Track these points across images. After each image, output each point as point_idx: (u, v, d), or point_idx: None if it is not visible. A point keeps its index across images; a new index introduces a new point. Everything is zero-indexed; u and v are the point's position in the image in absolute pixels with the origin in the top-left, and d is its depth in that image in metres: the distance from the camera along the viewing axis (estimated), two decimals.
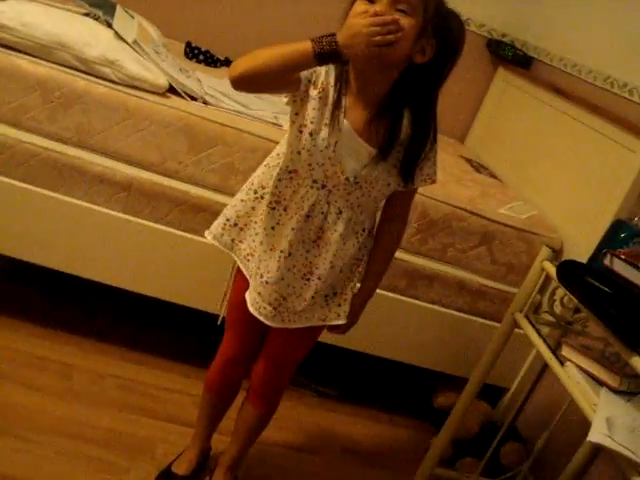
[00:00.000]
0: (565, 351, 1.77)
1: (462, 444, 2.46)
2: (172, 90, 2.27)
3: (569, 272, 1.73)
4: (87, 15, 2.27)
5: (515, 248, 2.46)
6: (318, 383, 2.61)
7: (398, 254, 2.34)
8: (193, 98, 2.29)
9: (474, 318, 2.50)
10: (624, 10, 2.69)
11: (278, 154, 1.59)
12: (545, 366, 2.42)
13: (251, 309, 1.62)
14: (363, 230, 1.59)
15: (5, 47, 2.08)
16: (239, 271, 1.70)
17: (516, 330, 2.05)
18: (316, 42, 1.31)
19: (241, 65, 1.36)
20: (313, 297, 1.60)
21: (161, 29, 2.77)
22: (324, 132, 1.44)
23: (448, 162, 2.95)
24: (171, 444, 2.05)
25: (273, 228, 1.56)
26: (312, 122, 1.44)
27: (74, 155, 2.14)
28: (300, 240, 1.54)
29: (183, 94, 2.27)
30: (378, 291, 2.33)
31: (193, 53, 2.94)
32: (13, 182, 2.13)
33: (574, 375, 1.71)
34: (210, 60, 2.94)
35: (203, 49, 2.96)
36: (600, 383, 1.69)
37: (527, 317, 1.95)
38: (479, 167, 3.03)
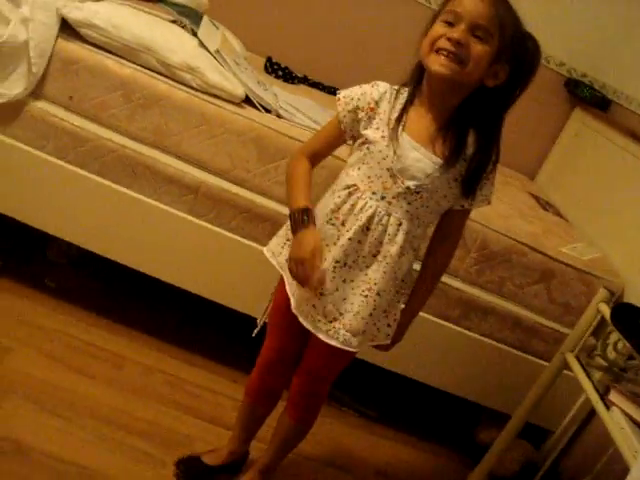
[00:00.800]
0: (613, 396, 1.74)
1: None
2: (248, 101, 2.33)
3: (624, 315, 1.71)
4: (174, 22, 2.36)
5: (574, 289, 2.42)
6: (360, 403, 2.61)
7: (454, 283, 2.37)
8: (267, 110, 2.34)
9: (525, 355, 2.46)
10: None
11: (339, 177, 1.63)
12: (593, 412, 2.37)
13: (305, 323, 1.63)
14: (417, 246, 1.61)
15: (94, 46, 2.18)
16: (283, 282, 1.70)
17: (567, 373, 2.02)
18: (292, 216, 1.57)
19: (287, 168, 1.69)
20: (371, 315, 1.59)
21: (245, 42, 2.86)
22: (380, 144, 1.50)
23: (515, 197, 2.94)
24: (209, 444, 2.08)
25: (335, 244, 1.57)
26: (370, 137, 1.51)
27: (148, 155, 2.22)
28: (358, 253, 1.55)
29: (258, 106, 2.33)
30: (431, 318, 2.38)
31: (273, 68, 3.01)
32: (89, 175, 2.22)
33: (619, 420, 1.68)
34: (289, 77, 3.01)
35: (283, 65, 3.04)
36: None
37: (578, 358, 1.92)
38: (546, 205, 3.00)
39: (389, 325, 1.67)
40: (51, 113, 2.19)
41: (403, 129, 1.50)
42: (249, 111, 2.28)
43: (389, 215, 1.53)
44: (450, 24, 1.42)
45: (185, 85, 2.22)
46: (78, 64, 2.17)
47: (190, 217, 2.27)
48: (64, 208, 2.27)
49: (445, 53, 1.42)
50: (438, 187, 1.51)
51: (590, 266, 2.45)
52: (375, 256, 1.56)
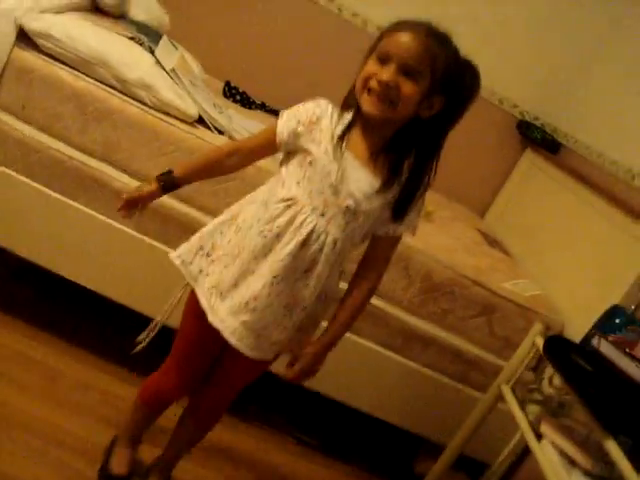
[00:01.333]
0: (544, 427, 1.76)
1: None
2: (201, 122, 2.34)
3: (556, 348, 1.74)
4: (132, 39, 2.37)
5: (515, 324, 2.46)
6: (300, 431, 2.60)
7: (397, 312, 2.39)
8: (220, 132, 2.36)
9: (464, 387, 2.48)
10: None
11: (270, 189, 1.61)
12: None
13: (230, 339, 1.60)
14: (344, 267, 1.63)
15: (50, 57, 2.18)
16: (194, 302, 1.67)
17: (505, 406, 2.04)
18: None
19: None
20: (295, 328, 1.62)
21: (204, 66, 2.88)
22: (324, 160, 1.50)
23: (462, 232, 2.99)
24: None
25: (266, 255, 1.55)
26: (312, 152, 1.51)
27: (97, 168, 2.21)
28: (293, 268, 1.55)
29: (211, 126, 2.34)
30: (372, 346, 2.39)
31: (231, 92, 3.03)
32: (35, 185, 2.20)
33: (549, 452, 1.69)
34: (246, 102, 3.04)
35: (241, 90, 3.06)
36: (575, 464, 1.68)
37: (513, 390, 1.94)
38: (493, 242, 3.06)
39: (306, 333, 1.69)
40: (2, 121, 2.18)
41: (346, 147, 1.51)
42: (202, 131, 2.30)
43: (327, 233, 1.53)
44: (382, 61, 1.44)
45: (139, 101, 2.23)
46: (33, 74, 2.16)
47: (136, 233, 2.26)
48: (8, 218, 2.25)
49: (375, 94, 1.44)
50: (374, 209, 1.52)
51: (531, 302, 2.50)
52: (306, 272, 1.56)
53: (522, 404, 1.91)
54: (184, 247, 1.70)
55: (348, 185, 1.50)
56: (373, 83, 1.44)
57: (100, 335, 2.53)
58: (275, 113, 3.11)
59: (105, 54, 2.18)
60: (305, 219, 1.52)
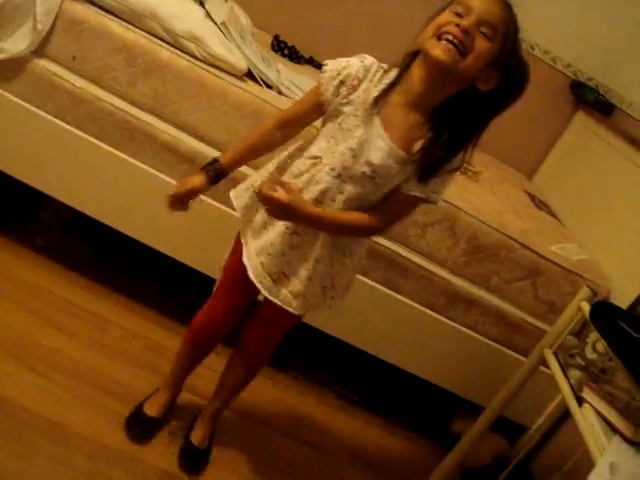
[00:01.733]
0: (586, 393, 1.75)
1: (472, 474, 2.43)
2: (250, 76, 2.33)
3: (603, 315, 1.72)
4: None
5: (560, 288, 2.43)
6: (341, 385, 2.63)
7: (442, 272, 2.39)
8: (269, 86, 2.35)
9: (507, 350, 2.47)
10: None
11: (307, 139, 1.63)
12: (568, 411, 2.38)
13: (251, 276, 1.67)
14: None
15: (101, 8, 2.18)
16: (239, 238, 1.76)
17: (546, 370, 2.03)
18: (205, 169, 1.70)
19: None
20: (310, 280, 1.63)
21: (253, 19, 2.85)
22: (352, 122, 1.50)
23: (510, 193, 2.95)
24: (183, 411, 2.11)
25: None
26: (344, 112, 1.51)
27: (146, 120, 2.22)
28: (301, 231, 1.58)
29: (260, 80, 2.33)
30: (415, 305, 2.39)
31: (279, 47, 3.01)
32: (86, 137, 2.22)
33: (590, 418, 1.69)
34: (294, 56, 3.01)
35: (289, 44, 3.04)
36: (615, 431, 1.67)
37: (556, 355, 1.93)
38: (540, 204, 3.01)
39: (333, 297, 1.71)
40: (53, 72, 2.19)
41: (377, 112, 1.49)
42: (250, 85, 2.29)
43: (341, 193, 1.54)
44: (459, 15, 1.41)
45: (188, 54, 2.22)
46: (83, 25, 2.17)
47: None
48: (60, 169, 2.28)
49: (450, 38, 1.39)
50: (393, 176, 1.52)
51: (578, 267, 2.46)
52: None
53: (564, 369, 1.89)
54: (239, 186, 1.78)
55: (369, 152, 1.49)
56: (449, 27, 1.40)
57: (149, 287, 2.58)
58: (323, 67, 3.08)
59: (155, 6, 2.17)
60: (322, 177, 1.53)
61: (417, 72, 1.47)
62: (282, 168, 1.66)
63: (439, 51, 1.40)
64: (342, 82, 1.51)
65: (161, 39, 2.21)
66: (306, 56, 3.06)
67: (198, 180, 1.69)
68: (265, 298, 1.76)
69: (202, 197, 2.24)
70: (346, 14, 3.26)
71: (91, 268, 2.49)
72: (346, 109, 1.51)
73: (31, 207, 2.59)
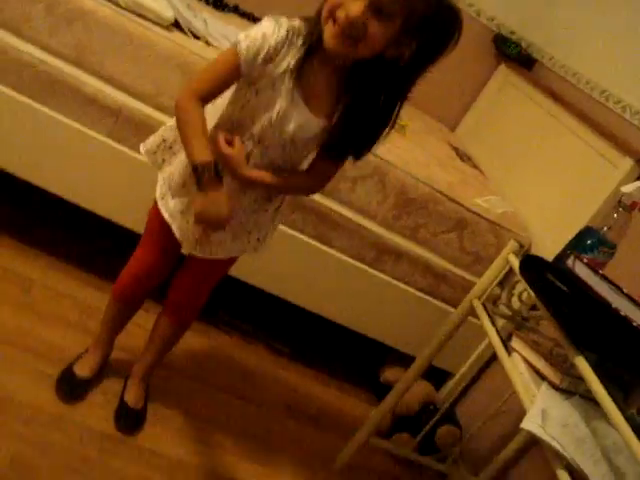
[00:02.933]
0: (515, 342, 1.83)
1: (402, 420, 2.52)
2: (177, 26, 2.26)
3: (531, 267, 1.78)
4: None
5: (485, 240, 2.51)
6: (273, 338, 2.65)
7: (371, 225, 2.42)
8: (196, 37, 2.29)
9: (434, 301, 2.55)
10: (633, 30, 2.72)
11: (224, 99, 1.57)
12: (493, 357, 2.49)
13: (177, 234, 1.67)
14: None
15: None
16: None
17: (471, 319, 2.10)
18: (197, 169, 1.46)
19: (176, 109, 1.51)
20: (240, 226, 1.65)
21: None
22: (269, 93, 1.48)
23: (434, 145, 2.99)
24: (115, 372, 2.09)
25: None
26: (261, 81, 1.48)
27: (68, 73, 2.12)
28: (230, 182, 1.56)
29: (187, 31, 2.26)
30: (345, 258, 2.42)
31: None
32: (4, 89, 2.11)
33: (519, 366, 1.76)
34: (219, 4, 2.92)
35: None
36: (543, 378, 1.75)
37: (484, 305, 2.00)
38: (464, 156, 3.07)
39: (258, 239, 1.73)
40: None
41: (296, 81, 1.46)
42: (177, 36, 2.22)
43: (262, 157, 1.55)
44: None
45: (112, 2, 2.13)
46: None
47: (109, 141, 2.20)
48: None
49: (340, 27, 1.35)
50: (313, 141, 1.54)
51: (502, 219, 2.54)
52: (242, 186, 1.59)
53: (492, 319, 1.96)
54: (150, 139, 1.74)
55: (289, 123, 1.49)
56: (340, 13, 1.34)
57: (73, 244, 2.50)
58: (248, 16, 3.01)
59: None
60: (243, 143, 1.53)
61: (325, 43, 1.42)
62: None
63: (330, 39, 1.38)
64: (258, 54, 1.44)
65: None
66: (231, 4, 2.98)
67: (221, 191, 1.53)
68: (188, 258, 1.79)
69: (118, 146, 2.21)
70: None
71: (13, 226, 2.39)
72: (264, 79, 1.47)
73: None
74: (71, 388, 1.95)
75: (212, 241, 1.66)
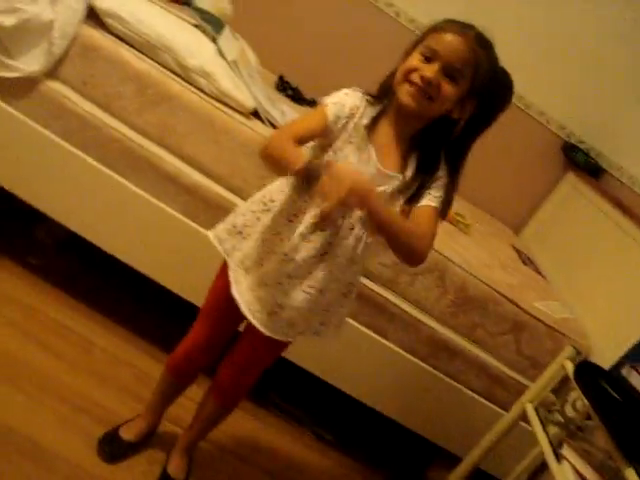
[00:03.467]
0: (565, 450, 1.79)
1: None
2: (256, 114, 2.38)
3: (586, 375, 1.76)
4: (196, 26, 2.42)
5: (543, 344, 2.48)
6: (318, 425, 2.64)
7: (428, 320, 2.42)
8: (273, 126, 2.40)
9: (487, 403, 2.51)
10: None
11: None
12: (543, 466, 2.41)
13: (246, 313, 1.67)
14: (365, 257, 1.65)
15: (116, 36, 2.23)
16: (223, 272, 1.76)
17: (524, 425, 2.07)
18: (306, 168, 1.42)
19: (263, 153, 1.53)
20: (311, 310, 1.65)
21: (260, 58, 2.92)
22: (346, 150, 1.54)
23: (498, 247, 3.01)
24: (165, 443, 2.10)
25: (286, 239, 1.59)
26: (338, 143, 1.55)
27: (151, 150, 2.25)
28: (305, 250, 1.58)
29: (265, 120, 2.38)
30: (399, 351, 2.42)
31: (283, 87, 3.07)
32: (89, 160, 2.25)
33: (568, 475, 1.72)
34: (298, 97, 3.07)
35: (293, 85, 3.10)
36: None
37: (536, 410, 1.97)
38: (526, 260, 3.07)
39: (322, 324, 1.73)
40: (64, 95, 2.22)
41: (370, 140, 1.55)
42: (255, 124, 2.33)
43: (343, 218, 1.55)
44: (427, 59, 1.49)
45: (198, 88, 2.27)
46: (97, 52, 2.21)
47: (184, 217, 2.30)
48: (60, 189, 2.30)
49: (416, 87, 1.48)
50: (389, 199, 1.56)
51: (560, 325, 2.51)
52: (323, 255, 1.58)
53: (544, 424, 1.93)
54: (219, 227, 1.78)
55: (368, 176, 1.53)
56: (415, 77, 1.48)
57: (137, 312, 2.59)
58: None
59: (170, 39, 2.23)
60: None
61: (395, 105, 1.55)
62: (269, 204, 1.66)
63: (407, 97, 1.50)
64: (339, 118, 1.55)
65: (173, 72, 2.26)
66: (309, 98, 3.12)
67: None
68: (245, 330, 1.81)
69: (190, 223, 2.30)
70: (350, 58, 3.34)
71: (81, 289, 2.50)
72: (341, 138, 1.55)
73: (26, 225, 2.60)
74: (113, 449, 1.99)
75: (283, 318, 1.66)
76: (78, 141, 2.25)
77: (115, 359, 2.31)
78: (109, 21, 2.21)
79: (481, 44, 1.49)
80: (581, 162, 3.28)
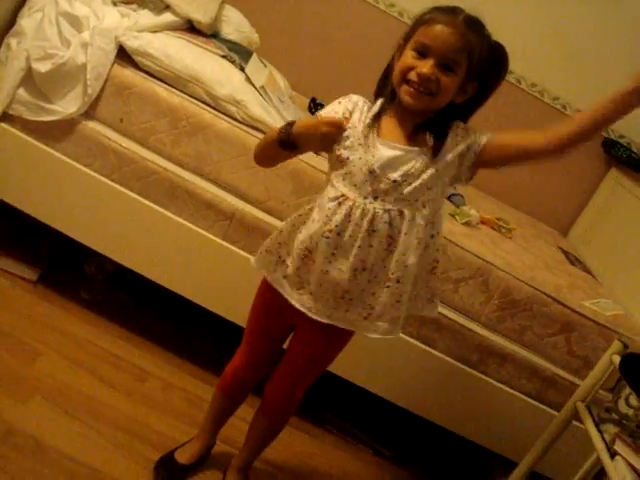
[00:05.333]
0: (618, 445, 1.75)
1: None
2: None
3: (633, 367, 1.73)
4: (224, 57, 2.49)
5: (594, 343, 2.43)
6: (376, 441, 2.64)
7: (475, 327, 2.41)
8: None
9: (541, 406, 2.47)
10: None
11: (323, 192, 1.65)
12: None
13: (338, 323, 1.69)
14: (432, 227, 1.64)
15: (147, 73, 2.32)
16: (265, 284, 1.79)
17: (581, 426, 2.03)
18: (280, 131, 1.55)
19: (254, 157, 1.71)
20: (399, 302, 1.65)
21: (291, 82, 2.98)
22: (359, 152, 1.56)
23: (544, 250, 2.98)
24: (219, 464, 2.14)
25: (334, 254, 1.60)
26: (347, 148, 1.56)
27: (188, 179, 2.32)
28: (373, 254, 1.58)
29: None
30: (448, 360, 2.40)
31: (316, 109, 3.12)
32: (131, 194, 2.33)
33: (621, 470, 1.68)
34: None
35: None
36: None
37: (588, 408, 1.93)
38: (574, 260, 3.03)
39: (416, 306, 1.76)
40: (101, 133, 2.31)
41: (377, 134, 1.57)
42: None
43: (388, 211, 1.56)
44: (420, 54, 1.50)
45: (229, 116, 2.34)
46: (131, 89, 2.30)
47: (224, 242, 2.35)
48: (104, 224, 2.38)
49: (415, 86, 1.50)
50: (421, 170, 1.55)
51: (612, 322, 2.46)
52: (387, 249, 1.59)
53: (598, 423, 1.89)
54: (259, 253, 1.81)
55: (386, 163, 1.54)
56: (412, 76, 1.50)
57: (186, 339, 2.65)
58: None
59: (199, 71, 2.30)
60: (362, 211, 1.56)
61: (400, 104, 1.57)
62: (299, 224, 1.69)
63: (408, 98, 1.52)
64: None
65: (204, 102, 2.33)
66: None
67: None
68: (291, 345, 1.85)
69: (231, 247, 2.35)
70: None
71: (132, 320, 2.58)
72: (348, 143, 1.56)
73: (76, 260, 2.70)
74: (169, 473, 2.02)
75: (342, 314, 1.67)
76: (119, 177, 2.33)
77: (168, 385, 2.37)
78: (139, 59, 2.30)
79: (471, 27, 1.50)
80: (623, 157, 3.23)
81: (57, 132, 2.31)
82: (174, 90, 2.33)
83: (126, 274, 2.44)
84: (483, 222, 2.78)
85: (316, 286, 1.66)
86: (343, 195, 1.57)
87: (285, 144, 1.55)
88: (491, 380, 2.45)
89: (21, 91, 2.26)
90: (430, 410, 2.50)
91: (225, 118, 2.33)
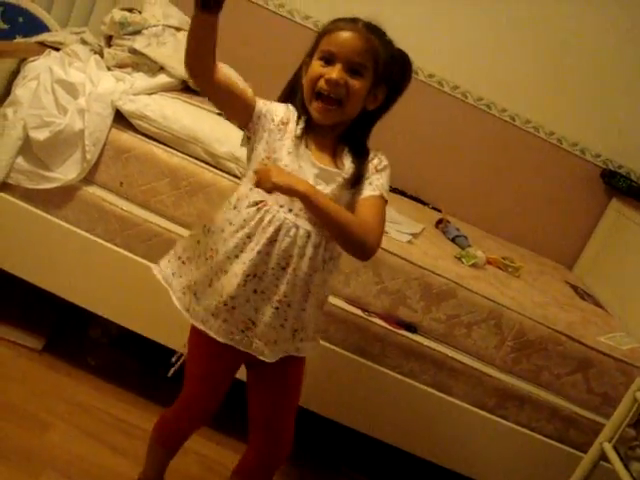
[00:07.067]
0: None
1: None
2: None
3: None
4: (220, 114, 2.49)
5: (613, 379, 2.39)
6: (351, 469, 2.57)
7: (490, 371, 2.37)
8: None
9: (563, 447, 2.41)
10: None
11: (239, 193, 1.63)
12: None
13: (218, 337, 1.62)
14: (330, 259, 1.62)
15: (145, 135, 2.31)
16: (196, 331, 1.71)
17: (606, 465, 1.98)
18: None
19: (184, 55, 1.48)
20: (282, 325, 1.61)
21: None
22: (287, 159, 1.55)
23: (552, 286, 2.95)
24: None
25: (237, 256, 1.57)
26: (274, 151, 1.56)
27: None
28: (267, 264, 1.55)
29: None
30: (466, 406, 2.36)
31: None
32: (134, 257, 2.31)
33: None
34: None
35: None
36: None
37: (615, 448, 1.89)
38: (584, 294, 3.00)
39: (302, 340, 1.68)
40: (102, 198, 2.30)
41: (306, 146, 1.57)
42: None
43: (297, 227, 1.54)
44: (327, 61, 1.53)
45: (229, 174, 2.33)
46: (129, 152, 2.29)
47: None
48: (108, 288, 2.35)
49: (325, 95, 1.51)
50: (338, 196, 1.55)
51: (629, 356, 2.43)
52: (284, 269, 1.56)
53: (625, 462, 1.85)
54: (163, 259, 1.79)
55: (309, 179, 1.53)
56: (322, 83, 1.52)
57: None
58: None
59: (197, 131, 2.30)
60: (273, 217, 1.54)
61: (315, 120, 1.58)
62: (217, 229, 1.63)
63: (318, 115, 1.55)
64: (273, 119, 1.58)
65: (203, 161, 2.32)
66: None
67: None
68: (250, 392, 1.82)
69: None
70: (402, 137, 3.40)
71: (140, 384, 2.53)
72: (277, 148, 1.56)
73: (80, 326, 2.66)
74: None
75: (256, 332, 1.62)
76: (121, 240, 2.31)
77: (182, 451, 2.30)
78: (137, 122, 2.30)
79: (373, 32, 1.54)
80: (623, 187, 3.23)
81: (57, 199, 2.30)
82: (173, 151, 2.32)
83: (130, 337, 2.39)
84: (489, 262, 2.76)
85: (204, 286, 1.64)
86: (263, 201, 1.56)
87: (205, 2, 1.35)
88: (510, 424, 2.40)
89: (20, 160, 2.25)
90: (453, 459, 2.45)
91: (226, 176, 2.32)
